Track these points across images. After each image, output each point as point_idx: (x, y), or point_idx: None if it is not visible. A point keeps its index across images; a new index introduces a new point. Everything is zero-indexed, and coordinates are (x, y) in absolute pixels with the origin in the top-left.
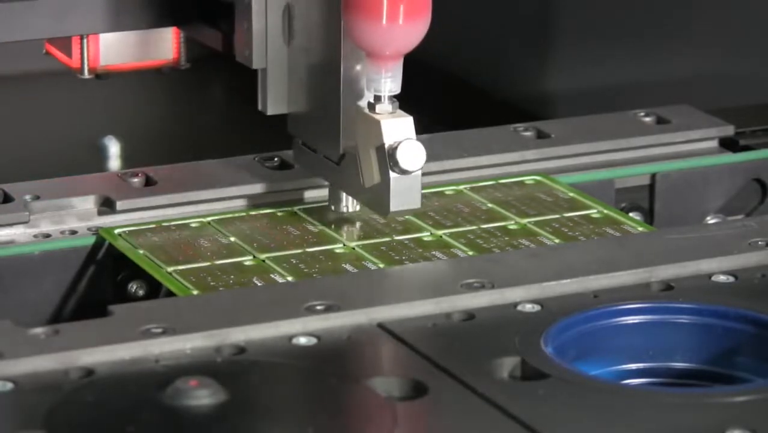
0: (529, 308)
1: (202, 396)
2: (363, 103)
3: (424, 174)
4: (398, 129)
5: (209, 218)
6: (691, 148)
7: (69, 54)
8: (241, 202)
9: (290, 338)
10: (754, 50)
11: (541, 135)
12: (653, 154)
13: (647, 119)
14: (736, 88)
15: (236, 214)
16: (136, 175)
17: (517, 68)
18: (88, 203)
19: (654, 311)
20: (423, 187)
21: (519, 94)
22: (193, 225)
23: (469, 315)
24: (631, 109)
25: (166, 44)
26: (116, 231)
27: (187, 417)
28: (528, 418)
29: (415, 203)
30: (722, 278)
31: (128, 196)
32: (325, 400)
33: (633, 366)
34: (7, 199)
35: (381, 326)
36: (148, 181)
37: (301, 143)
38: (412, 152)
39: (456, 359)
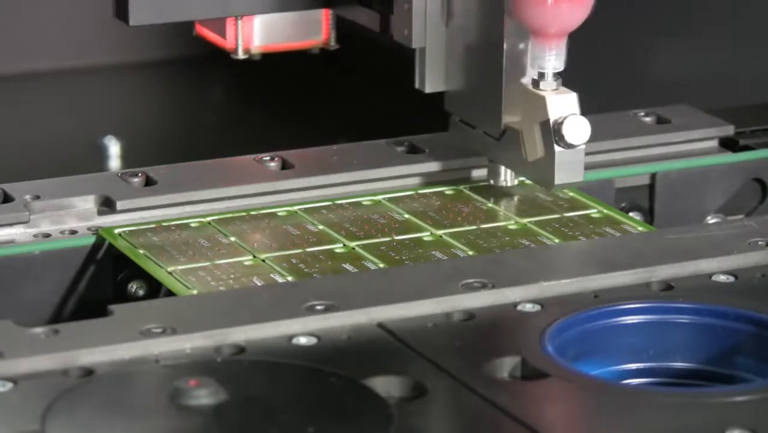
0: (529, 307)
1: (202, 396)
2: (525, 80)
3: (423, 174)
4: (563, 104)
5: (209, 218)
6: (691, 148)
7: (223, 35)
8: (241, 202)
9: (290, 337)
10: (754, 50)
11: None
12: (653, 154)
13: (647, 119)
14: (736, 88)
15: (236, 214)
16: (136, 175)
17: None
18: (88, 203)
19: (654, 311)
20: (421, 188)
21: None
22: (193, 225)
23: (469, 315)
24: (631, 109)
25: (316, 26)
26: (116, 231)
27: (187, 417)
28: (528, 418)
29: (579, 176)
30: (722, 277)
31: (128, 196)
32: (325, 400)
33: (633, 366)
34: (7, 199)
35: (381, 326)
36: (148, 181)
37: (459, 120)
38: (577, 126)
39: (456, 359)
